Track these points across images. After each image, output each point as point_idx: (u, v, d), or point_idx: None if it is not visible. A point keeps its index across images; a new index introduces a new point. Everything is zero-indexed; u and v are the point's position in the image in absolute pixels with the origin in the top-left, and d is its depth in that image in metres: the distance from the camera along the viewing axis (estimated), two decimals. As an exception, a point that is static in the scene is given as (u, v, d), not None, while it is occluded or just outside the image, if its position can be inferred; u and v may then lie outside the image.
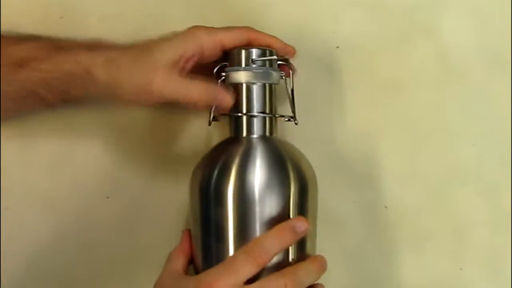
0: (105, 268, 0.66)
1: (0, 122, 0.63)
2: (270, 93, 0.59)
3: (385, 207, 0.67)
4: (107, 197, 0.66)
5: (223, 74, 0.59)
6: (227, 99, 0.58)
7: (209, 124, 0.59)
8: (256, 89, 0.58)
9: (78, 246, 0.65)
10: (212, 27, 0.60)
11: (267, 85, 0.58)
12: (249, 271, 0.53)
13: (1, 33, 0.60)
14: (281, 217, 0.55)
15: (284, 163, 0.57)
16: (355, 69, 0.68)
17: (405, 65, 0.68)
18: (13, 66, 0.57)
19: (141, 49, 0.59)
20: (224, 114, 0.60)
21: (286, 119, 0.60)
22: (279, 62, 0.60)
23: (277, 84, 0.59)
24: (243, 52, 0.58)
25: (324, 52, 0.68)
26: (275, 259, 0.54)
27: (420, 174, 0.67)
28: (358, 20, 0.68)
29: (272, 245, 0.54)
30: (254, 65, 0.58)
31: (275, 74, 0.59)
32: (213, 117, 0.59)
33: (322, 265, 0.56)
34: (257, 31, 0.60)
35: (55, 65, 0.58)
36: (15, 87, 0.58)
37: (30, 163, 0.66)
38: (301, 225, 0.55)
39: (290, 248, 0.56)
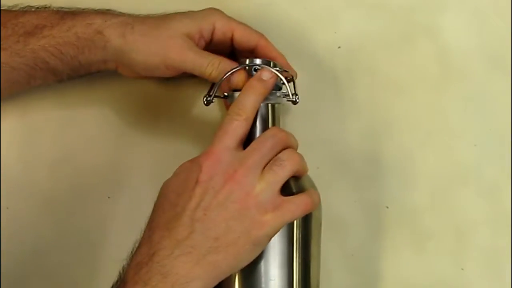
0: (105, 268, 0.65)
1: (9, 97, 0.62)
2: (273, 112, 0.57)
3: (387, 207, 0.66)
4: (108, 197, 0.66)
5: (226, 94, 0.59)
6: (241, 77, 0.57)
7: (206, 104, 0.58)
8: (260, 109, 0.56)
9: (78, 246, 0.65)
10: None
11: (269, 105, 0.57)
12: (238, 126, 0.54)
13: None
14: (285, 228, 0.54)
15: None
16: (357, 69, 0.68)
17: (406, 65, 0.68)
18: (25, 35, 0.58)
19: (158, 18, 0.60)
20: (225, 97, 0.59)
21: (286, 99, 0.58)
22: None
23: (280, 104, 0.58)
24: (247, 61, 0.57)
25: (325, 52, 0.68)
26: (280, 271, 0.54)
27: (421, 174, 0.67)
28: (359, 20, 0.68)
29: (248, 99, 0.55)
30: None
31: (279, 94, 0.58)
32: (212, 96, 0.58)
33: None
34: (268, 41, 0.61)
35: (66, 30, 0.58)
36: (26, 57, 0.58)
37: (30, 163, 0.65)
38: (265, 74, 0.56)
39: (294, 256, 0.55)
